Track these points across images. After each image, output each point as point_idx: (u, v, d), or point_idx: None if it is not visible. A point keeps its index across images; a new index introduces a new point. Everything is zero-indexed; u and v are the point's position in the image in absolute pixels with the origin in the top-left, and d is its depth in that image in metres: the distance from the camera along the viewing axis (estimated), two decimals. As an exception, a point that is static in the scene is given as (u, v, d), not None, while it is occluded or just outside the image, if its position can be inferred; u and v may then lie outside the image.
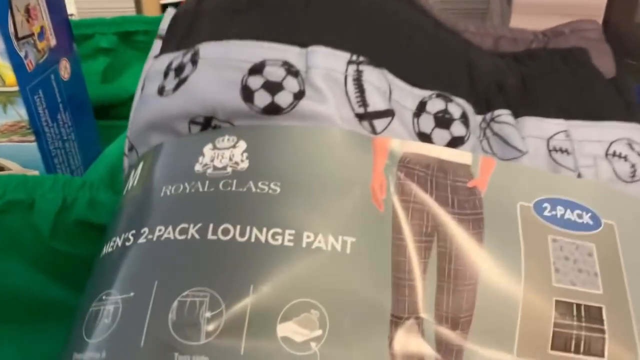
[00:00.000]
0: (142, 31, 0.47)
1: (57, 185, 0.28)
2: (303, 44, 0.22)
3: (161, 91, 0.22)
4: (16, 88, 0.31)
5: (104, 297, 0.18)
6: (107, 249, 0.20)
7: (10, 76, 0.31)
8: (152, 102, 0.22)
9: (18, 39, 0.31)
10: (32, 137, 0.33)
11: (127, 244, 0.19)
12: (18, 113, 0.32)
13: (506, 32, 0.28)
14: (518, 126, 0.23)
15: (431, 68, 0.23)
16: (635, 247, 0.21)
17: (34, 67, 0.32)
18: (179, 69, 0.22)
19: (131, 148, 0.24)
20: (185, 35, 0.24)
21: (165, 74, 0.23)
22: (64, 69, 0.36)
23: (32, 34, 0.32)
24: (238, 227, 0.18)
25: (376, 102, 0.21)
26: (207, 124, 0.21)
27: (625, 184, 0.23)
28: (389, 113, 0.21)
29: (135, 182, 0.22)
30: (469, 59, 0.24)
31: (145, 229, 0.19)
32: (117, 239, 0.20)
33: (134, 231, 0.19)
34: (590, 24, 0.27)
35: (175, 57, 0.23)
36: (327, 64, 0.21)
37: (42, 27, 0.33)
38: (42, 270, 0.28)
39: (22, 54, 0.32)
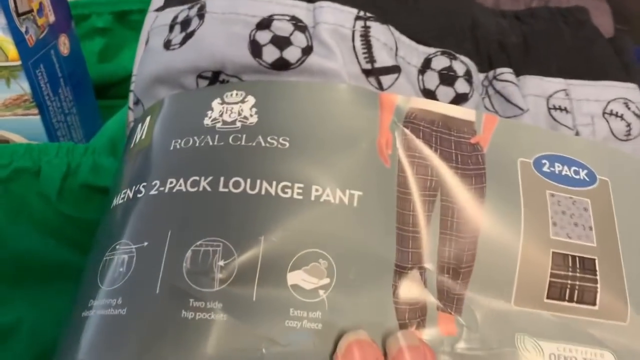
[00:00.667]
0: (138, 10, 0.47)
1: (62, 152, 0.28)
2: None
3: (167, 45, 0.22)
4: (18, 62, 0.32)
5: (117, 247, 0.19)
6: (117, 200, 0.20)
7: (12, 51, 0.31)
8: (158, 56, 0.22)
9: (19, 14, 0.32)
10: (36, 111, 0.33)
11: (139, 195, 0.19)
12: (21, 87, 0.32)
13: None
14: (519, 84, 0.23)
15: (436, 26, 0.23)
16: (628, 202, 0.21)
17: (34, 43, 0.33)
18: (185, 23, 0.22)
19: (137, 102, 0.24)
20: None
21: (171, 28, 0.22)
22: (63, 45, 0.36)
23: (32, 10, 0.33)
24: (248, 180, 0.18)
25: (383, 58, 0.21)
26: (215, 79, 0.21)
27: (620, 142, 0.23)
28: (395, 69, 0.21)
29: (143, 135, 0.22)
30: (472, 18, 0.24)
31: (157, 181, 0.19)
32: (128, 191, 0.20)
33: (144, 183, 0.19)
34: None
35: (180, 11, 0.23)
36: (335, 19, 0.21)
37: (40, 4, 0.34)
38: (50, 234, 0.29)
39: (22, 30, 0.32)
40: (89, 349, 0.17)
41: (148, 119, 0.22)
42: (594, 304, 0.19)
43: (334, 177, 0.18)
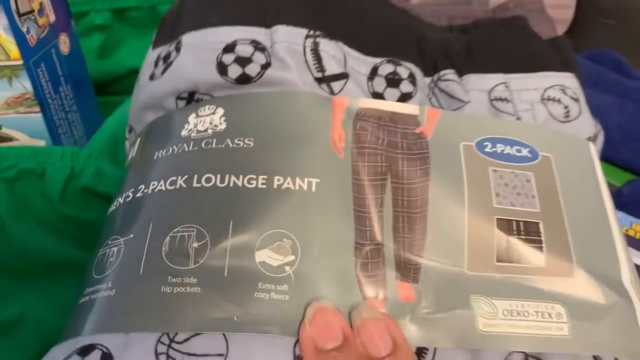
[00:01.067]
0: (135, 7, 0.47)
1: (66, 155, 0.29)
2: (268, 25, 0.25)
3: (152, 77, 0.26)
4: (20, 62, 0.32)
5: (109, 243, 0.21)
6: (111, 208, 0.23)
7: (14, 51, 0.32)
8: (145, 87, 0.26)
9: (20, 15, 0.32)
10: (37, 109, 0.34)
11: (128, 199, 0.22)
12: (23, 85, 0.33)
13: (458, 13, 0.31)
14: (462, 82, 0.26)
15: (382, 40, 0.26)
16: (571, 174, 0.23)
17: (35, 42, 0.33)
18: (166, 57, 0.25)
19: (130, 130, 0.28)
20: (171, 31, 0.27)
21: (156, 63, 0.26)
22: (64, 44, 0.37)
23: (33, 10, 0.33)
24: (218, 175, 0.21)
25: (332, 67, 0.24)
26: (191, 98, 0.24)
27: (561, 124, 0.25)
28: (344, 76, 0.24)
29: (134, 153, 0.25)
30: (418, 33, 0.27)
31: (142, 186, 0.22)
32: (120, 198, 0.23)
33: (133, 189, 0.22)
34: (534, 2, 0.31)
35: (163, 49, 0.26)
36: (288, 38, 0.24)
37: (41, 4, 0.34)
38: (53, 232, 0.30)
39: (24, 30, 0.32)
40: (85, 326, 0.19)
41: (138, 140, 0.25)
42: (541, 262, 0.21)
43: (294, 168, 0.21)
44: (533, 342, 0.19)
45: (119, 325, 0.19)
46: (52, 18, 0.35)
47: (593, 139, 0.26)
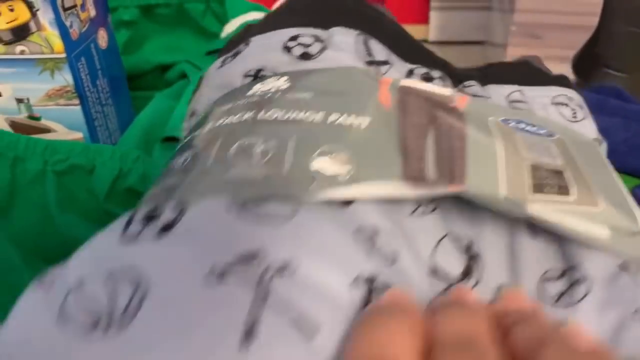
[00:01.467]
0: (163, 4, 0.48)
1: (116, 155, 0.30)
2: (325, 28, 0.30)
3: (222, 66, 0.30)
4: (63, 55, 0.33)
5: (176, 156, 0.24)
6: (178, 146, 0.26)
7: (58, 44, 0.32)
8: (214, 74, 0.30)
9: (65, 9, 0.32)
10: (77, 101, 0.34)
11: (195, 134, 0.25)
12: (64, 78, 0.34)
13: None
14: (483, 89, 0.31)
15: (416, 55, 0.31)
16: (582, 152, 0.27)
17: (77, 36, 0.33)
18: (236, 53, 0.30)
19: (192, 114, 0.30)
20: (238, 42, 0.31)
21: (224, 61, 0.30)
22: (102, 39, 0.37)
23: (76, 5, 0.33)
24: (281, 111, 0.24)
25: (379, 55, 0.29)
26: (256, 76, 0.28)
27: (570, 123, 0.30)
28: (388, 62, 0.29)
29: (200, 118, 0.28)
30: (443, 61, 0.32)
31: (210, 123, 0.25)
32: (186, 139, 0.25)
33: (201, 128, 0.25)
34: (533, 57, 0.38)
35: (231, 52, 0.30)
36: (342, 33, 0.29)
37: (83, -1, 0.34)
38: (96, 224, 0.29)
39: (67, 24, 0.32)
40: (149, 205, 0.21)
41: (203, 114, 0.28)
42: (568, 194, 0.23)
43: (347, 107, 0.24)
44: (577, 235, 0.21)
45: (186, 197, 0.20)
46: (93, 13, 0.36)
47: (598, 143, 0.30)
